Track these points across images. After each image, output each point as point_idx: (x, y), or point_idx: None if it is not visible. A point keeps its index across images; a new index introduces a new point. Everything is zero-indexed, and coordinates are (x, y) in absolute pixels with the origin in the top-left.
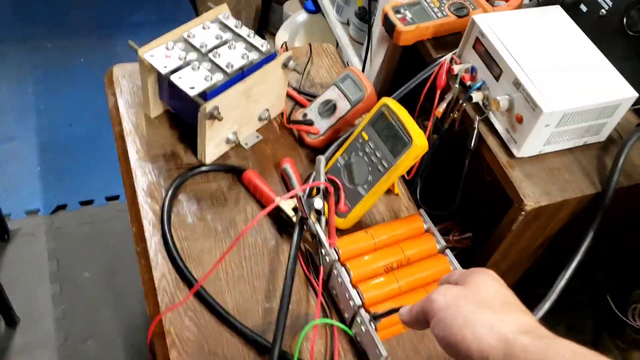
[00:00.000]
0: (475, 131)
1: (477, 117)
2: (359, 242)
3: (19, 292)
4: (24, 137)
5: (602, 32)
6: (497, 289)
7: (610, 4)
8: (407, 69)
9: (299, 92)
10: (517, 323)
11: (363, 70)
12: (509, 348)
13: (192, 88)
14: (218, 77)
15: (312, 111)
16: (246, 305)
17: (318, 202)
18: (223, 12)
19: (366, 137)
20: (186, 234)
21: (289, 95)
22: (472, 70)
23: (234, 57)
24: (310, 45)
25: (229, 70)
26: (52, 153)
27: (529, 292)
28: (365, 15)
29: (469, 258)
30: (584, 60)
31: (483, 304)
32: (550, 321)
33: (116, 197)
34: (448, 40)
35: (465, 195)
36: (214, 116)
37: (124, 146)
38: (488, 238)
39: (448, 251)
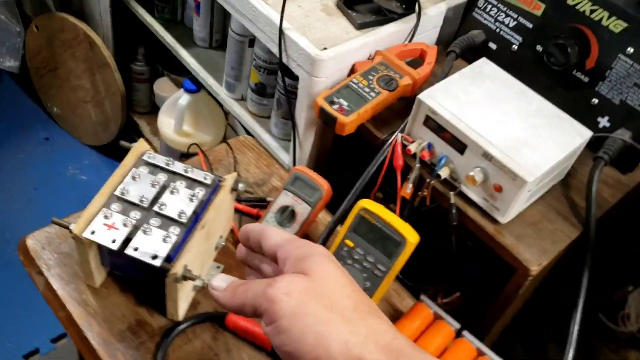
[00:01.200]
0: (455, 207)
1: (451, 192)
2: None
3: None
4: None
5: (518, 66)
6: (342, 281)
7: (520, 39)
8: (341, 145)
9: (239, 200)
10: (374, 336)
11: (294, 155)
12: None
13: (155, 257)
14: (174, 232)
15: (269, 222)
16: None
17: None
18: (144, 151)
19: (351, 244)
20: None
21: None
22: (429, 146)
23: (181, 202)
24: (227, 143)
25: (183, 220)
26: None
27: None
28: (264, 90)
29: (467, 320)
30: (533, 110)
31: (334, 308)
32: None
33: (63, 336)
34: (383, 115)
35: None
36: (186, 277)
37: (79, 333)
38: (482, 296)
39: (467, 333)
